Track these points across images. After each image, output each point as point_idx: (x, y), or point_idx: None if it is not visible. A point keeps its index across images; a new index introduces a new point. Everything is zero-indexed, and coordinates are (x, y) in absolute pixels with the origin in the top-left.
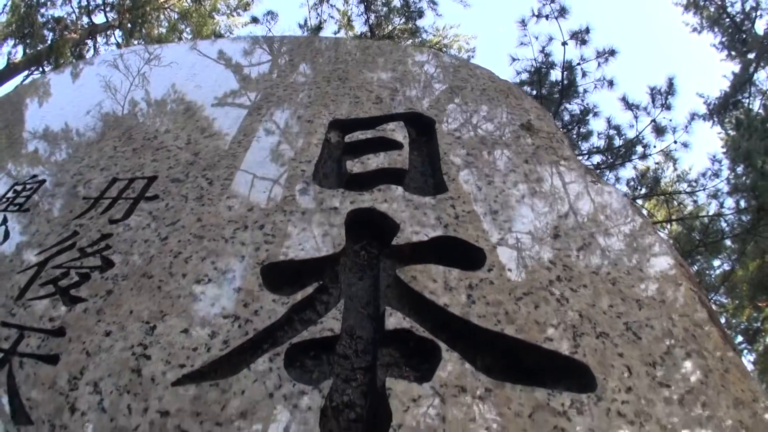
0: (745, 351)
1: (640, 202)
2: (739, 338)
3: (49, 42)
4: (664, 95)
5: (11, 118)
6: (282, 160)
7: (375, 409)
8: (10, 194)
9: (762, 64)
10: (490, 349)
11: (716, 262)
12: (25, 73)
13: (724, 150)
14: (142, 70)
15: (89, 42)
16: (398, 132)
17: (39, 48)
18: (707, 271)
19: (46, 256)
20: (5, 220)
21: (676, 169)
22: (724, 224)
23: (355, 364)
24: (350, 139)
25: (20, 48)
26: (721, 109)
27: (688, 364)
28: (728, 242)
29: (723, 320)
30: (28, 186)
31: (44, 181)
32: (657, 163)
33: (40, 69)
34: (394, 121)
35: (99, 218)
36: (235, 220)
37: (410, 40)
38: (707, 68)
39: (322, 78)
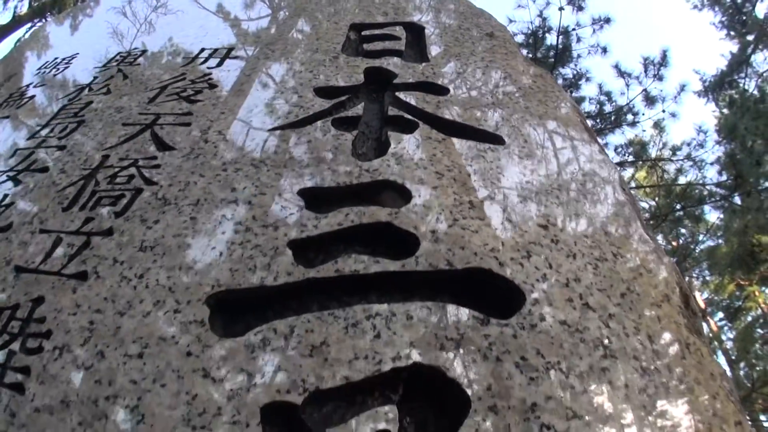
0: (726, 328)
1: (629, 172)
2: (720, 315)
3: None
4: (657, 66)
5: None
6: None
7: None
8: None
9: (760, 47)
10: None
11: (701, 237)
12: (29, 25)
13: (717, 128)
14: (148, 17)
15: None
16: (398, 31)
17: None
18: (692, 246)
19: None
20: None
21: (662, 138)
22: (705, 192)
23: None
24: (365, 33)
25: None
26: (716, 87)
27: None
28: (715, 220)
29: (705, 295)
30: None
31: None
32: (644, 131)
33: (44, 20)
34: (395, 25)
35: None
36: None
37: None
38: (705, 46)
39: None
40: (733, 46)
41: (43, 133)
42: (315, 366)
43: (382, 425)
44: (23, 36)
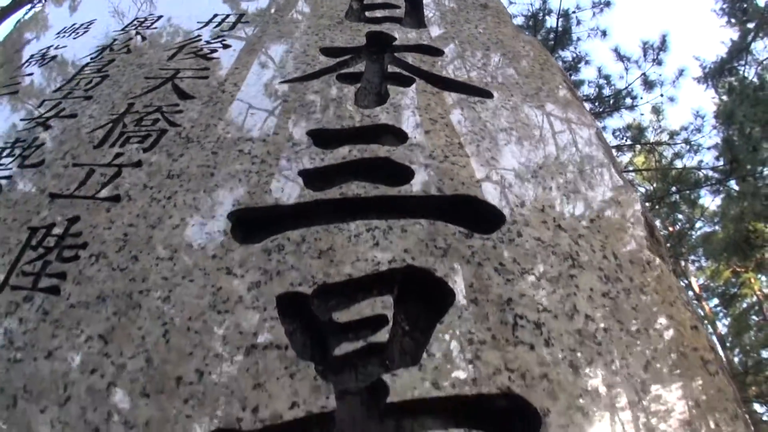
0: (721, 315)
1: (626, 158)
2: (715, 301)
3: None
4: (656, 50)
5: None
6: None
7: None
8: None
9: (760, 35)
10: None
11: (698, 224)
12: (28, 6)
13: (716, 114)
14: None
15: None
16: (398, 0)
17: None
18: (689, 232)
19: None
20: None
21: (660, 123)
22: (701, 176)
23: None
24: (366, 2)
25: None
26: (716, 74)
27: None
28: (712, 206)
29: (701, 281)
30: None
31: None
32: (642, 114)
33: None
34: None
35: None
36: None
37: None
38: (705, 33)
39: None
40: (734, 34)
41: (68, 86)
42: (322, 266)
43: (379, 311)
44: (22, 17)
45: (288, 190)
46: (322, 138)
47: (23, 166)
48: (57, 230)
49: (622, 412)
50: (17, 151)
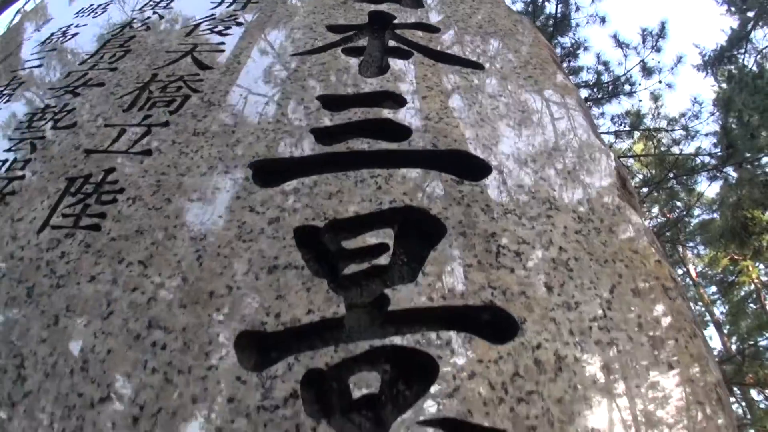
0: (718, 302)
1: (625, 145)
2: (713, 288)
3: None
4: (655, 37)
5: None
6: None
7: None
8: None
9: (760, 24)
10: None
11: (697, 212)
12: None
13: (715, 102)
14: None
15: None
16: None
17: None
18: (686, 219)
19: None
20: None
21: (658, 109)
22: (698, 162)
23: None
24: None
25: None
26: (715, 62)
27: None
28: (708, 192)
29: (699, 268)
30: None
31: None
32: (640, 101)
33: None
34: None
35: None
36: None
37: None
38: (705, 21)
39: None
40: (734, 22)
41: (93, 59)
42: (332, 205)
43: (381, 240)
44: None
45: (301, 145)
46: (330, 102)
47: (56, 128)
48: (94, 179)
49: (591, 322)
50: (48, 116)
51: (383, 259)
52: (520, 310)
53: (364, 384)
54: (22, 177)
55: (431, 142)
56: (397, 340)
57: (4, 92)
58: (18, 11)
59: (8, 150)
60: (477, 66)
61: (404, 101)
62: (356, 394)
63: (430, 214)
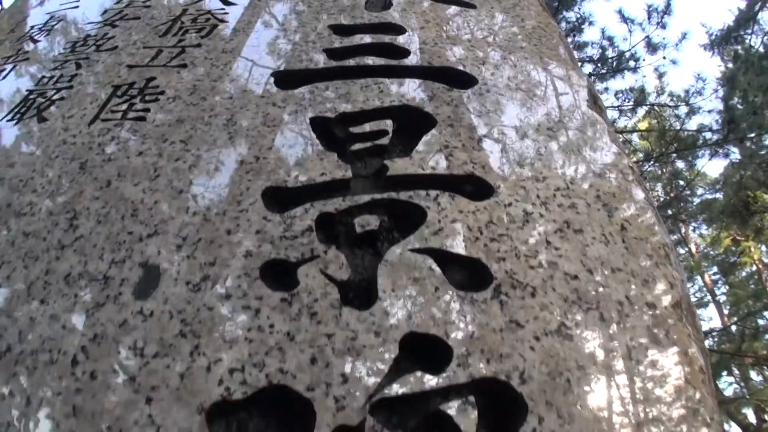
0: (719, 283)
1: (627, 123)
2: (715, 269)
3: None
4: (660, 14)
5: None
6: None
7: None
8: None
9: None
10: None
11: (700, 191)
12: None
13: (720, 80)
14: None
15: None
16: None
17: None
18: (690, 198)
19: None
20: None
21: (662, 85)
22: (699, 138)
23: None
24: None
25: None
26: (722, 42)
27: None
28: (709, 170)
29: (701, 249)
30: None
31: None
32: (644, 77)
33: None
34: None
35: None
36: None
37: None
38: (713, 0)
39: None
40: (741, 2)
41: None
42: (342, 102)
43: (382, 127)
44: None
45: (314, 58)
46: (339, 30)
47: (99, 50)
48: (138, 86)
49: (556, 191)
50: (90, 42)
51: (383, 140)
52: (496, 180)
53: (366, 223)
54: (70, 87)
55: (427, 61)
56: (393, 194)
57: (43, 29)
58: None
59: (54, 68)
60: (470, 5)
61: (404, 30)
62: (359, 230)
63: (424, 111)
